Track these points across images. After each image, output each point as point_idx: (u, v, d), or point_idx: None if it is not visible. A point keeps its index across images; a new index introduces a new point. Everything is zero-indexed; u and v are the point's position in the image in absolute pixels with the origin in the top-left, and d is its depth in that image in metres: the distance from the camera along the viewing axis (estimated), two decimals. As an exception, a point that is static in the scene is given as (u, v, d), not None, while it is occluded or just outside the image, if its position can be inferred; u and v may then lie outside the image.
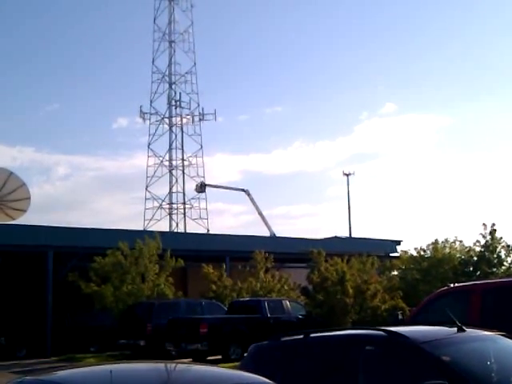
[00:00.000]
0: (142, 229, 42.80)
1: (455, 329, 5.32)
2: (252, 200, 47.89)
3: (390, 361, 5.26)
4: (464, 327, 5.35)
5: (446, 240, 25.35)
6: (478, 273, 23.53)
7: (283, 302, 22.66)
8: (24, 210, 32.92)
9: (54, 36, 73.15)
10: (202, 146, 50.72)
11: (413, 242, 72.13)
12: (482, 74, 74.35)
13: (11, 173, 33.20)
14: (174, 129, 50.63)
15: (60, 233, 26.79)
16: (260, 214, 47.34)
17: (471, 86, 73.56)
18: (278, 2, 77.99)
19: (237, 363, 8.41)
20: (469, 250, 24.67)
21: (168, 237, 30.42)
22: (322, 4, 77.04)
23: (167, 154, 50.38)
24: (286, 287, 27.02)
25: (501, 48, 72.67)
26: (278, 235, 42.27)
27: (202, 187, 49.86)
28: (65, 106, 71.45)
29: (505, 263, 23.97)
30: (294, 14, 77.35)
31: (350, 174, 51.30)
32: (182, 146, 50.57)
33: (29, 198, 33.12)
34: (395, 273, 27.00)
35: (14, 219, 32.38)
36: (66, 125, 71.02)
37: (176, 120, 50.75)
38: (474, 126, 74.04)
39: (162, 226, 47.64)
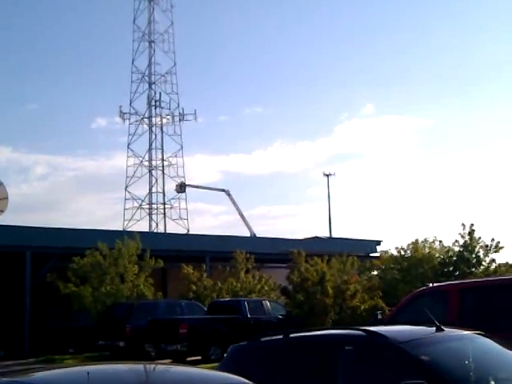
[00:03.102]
0: (121, 229, 42.61)
1: (434, 328, 5.34)
2: (232, 200, 47.93)
3: (370, 361, 5.27)
4: (442, 327, 5.38)
5: (426, 240, 25.55)
6: (457, 273, 23.72)
7: (263, 302, 22.66)
8: (2, 211, 32.56)
9: (33, 36, 72.55)
10: (182, 147, 50.71)
11: (393, 241, 72.68)
12: (459, 75, 75.06)
13: (-12, 172, 32.86)
14: (153, 129, 50.59)
15: (38, 233, 26.55)
16: (240, 214, 47.40)
17: (449, 86, 74.20)
18: (258, 3, 78.09)
19: (216, 364, 8.37)
20: (448, 250, 24.87)
21: (147, 237, 30.29)
22: (302, 5, 77.25)
23: (147, 154, 50.31)
24: (266, 287, 27.03)
25: (477, 49, 73.44)
26: (258, 235, 42.32)
27: (181, 187, 49.77)
28: (43, 106, 70.97)
29: (483, 263, 24.18)
30: (275, 14, 77.53)
31: (330, 175, 51.58)
32: (162, 146, 50.53)
33: (6, 198, 32.75)
34: (375, 273, 27.14)
35: (-9, 219, 32.04)
36: (44, 125, 70.60)
37: (156, 120, 50.71)
38: (451, 127, 74.72)
39: (142, 226, 47.55)
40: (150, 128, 50.42)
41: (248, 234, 44.23)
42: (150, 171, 50.09)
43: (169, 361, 17.90)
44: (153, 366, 4.95)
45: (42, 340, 24.79)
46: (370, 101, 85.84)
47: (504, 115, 74.19)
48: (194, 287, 26.29)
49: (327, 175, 51.53)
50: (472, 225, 24.18)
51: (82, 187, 70.75)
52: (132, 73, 50.68)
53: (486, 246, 24.08)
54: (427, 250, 25.15)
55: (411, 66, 75.26)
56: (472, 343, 5.50)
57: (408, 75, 76.36)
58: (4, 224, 28.08)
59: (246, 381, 4.11)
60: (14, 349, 24.32)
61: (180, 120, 50.58)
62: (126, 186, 49.85)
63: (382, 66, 76.23)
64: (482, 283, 10.34)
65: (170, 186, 50.42)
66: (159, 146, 50.41)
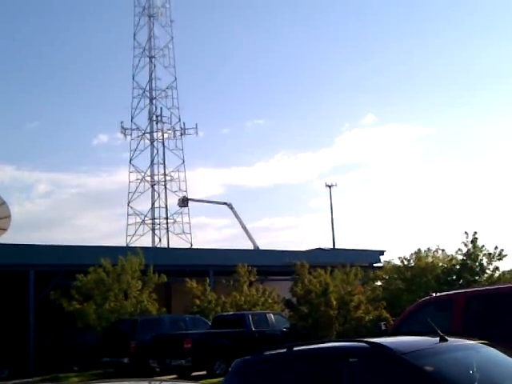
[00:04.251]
0: (124, 245, 42.64)
1: (437, 338, 5.32)
2: (235, 213, 47.93)
3: (374, 372, 5.24)
4: (446, 337, 5.35)
5: (429, 249, 25.46)
6: (461, 281, 23.63)
7: (267, 315, 22.61)
8: (5, 229, 32.59)
9: (34, 53, 72.95)
10: (183, 161, 50.79)
11: (396, 251, 72.47)
12: (460, 83, 75.22)
13: (-9, 191, 32.91)
14: (155, 144, 50.69)
15: (41, 251, 26.57)
16: (243, 227, 47.39)
17: (450, 95, 74.37)
18: (256, 17, 78.52)
19: (221, 378, 8.34)
20: (451, 259, 24.77)
21: (151, 252, 30.27)
22: (301, 18, 77.65)
23: (149, 170, 50.39)
24: (270, 300, 26.98)
25: (478, 57, 73.65)
26: (261, 248, 42.28)
27: (184, 202, 49.78)
28: (45, 124, 71.30)
29: (487, 271, 24.07)
30: (274, 26, 77.91)
31: (332, 186, 51.57)
32: (164, 161, 50.61)
33: (9, 217, 32.81)
34: (379, 283, 27.03)
35: (-6, 238, 32.04)
36: (46, 142, 70.90)
37: (157, 135, 50.83)
38: (453, 136, 74.82)
39: (145, 241, 47.55)
40: (152, 143, 50.55)
41: (251, 247, 44.19)
42: (152, 186, 50.17)
43: (174, 376, 17.86)
44: (157, 382, 4.94)
45: (47, 358, 24.74)
46: (370, 110, 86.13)
47: (506, 122, 74.24)
48: (197, 301, 26.25)
49: (329, 186, 51.56)
50: (475, 233, 24.12)
51: (85, 204, 70.93)
52: (133, 88, 50.93)
53: (490, 253, 23.98)
54: (430, 259, 25.06)
55: (411, 74, 75.60)
56: (477, 353, 5.47)
57: (408, 84, 76.66)
58: (7, 243, 28.12)
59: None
60: (18, 368, 24.26)
61: (181, 134, 50.75)
62: (129, 202, 49.94)
63: (382, 75, 76.56)
64: (486, 291, 10.30)
65: (173, 201, 50.49)
66: (161, 161, 50.55)
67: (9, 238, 32.02)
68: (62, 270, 26.04)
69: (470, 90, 74.66)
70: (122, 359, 21.44)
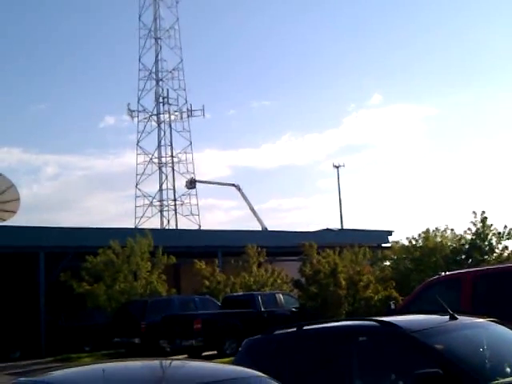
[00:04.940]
0: (133, 227, 42.73)
1: (447, 317, 5.33)
2: (243, 195, 47.93)
3: (384, 351, 5.27)
4: (456, 315, 5.37)
5: (437, 229, 25.42)
6: (470, 261, 23.60)
7: (276, 295, 22.70)
8: (14, 212, 32.79)
9: (40, 36, 72.79)
10: (191, 142, 50.68)
11: (404, 231, 72.37)
12: (467, 63, 74.59)
13: (0, 174, 33.04)
14: (162, 126, 50.55)
15: (51, 233, 26.70)
16: (251, 208, 47.41)
17: (457, 75, 73.81)
18: (263, -4, 77.86)
19: (232, 358, 8.41)
20: (460, 238, 24.73)
21: (159, 234, 30.40)
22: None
23: (156, 151, 50.32)
24: (278, 281, 27.09)
25: (485, 36, 72.95)
26: (269, 229, 42.33)
27: (192, 183, 49.80)
28: (52, 106, 71.24)
29: (496, 250, 24.04)
30: (280, 6, 77.32)
31: (339, 166, 51.43)
32: (171, 143, 50.53)
33: (18, 199, 32.98)
34: (387, 263, 27.07)
35: (3, 220, 32.25)
36: (53, 125, 70.86)
37: (164, 117, 50.68)
38: (460, 115, 74.32)
39: (154, 223, 47.65)
40: (159, 125, 50.45)
41: (259, 228, 44.27)
42: (159, 168, 50.16)
43: (184, 356, 18.00)
44: (168, 361, 4.99)
45: (58, 339, 24.98)
46: (377, 91, 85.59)
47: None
48: (207, 282, 26.37)
49: (337, 167, 51.45)
50: (483, 212, 24.06)
51: (93, 186, 71.08)
52: (139, 70, 50.71)
53: (499, 233, 23.93)
54: (439, 239, 25.04)
55: (418, 54, 74.98)
56: (486, 331, 5.49)
57: (415, 64, 76.09)
58: (17, 225, 28.30)
59: (261, 374, 4.14)
60: (30, 349, 24.51)
61: (188, 116, 50.59)
62: (137, 184, 49.99)
63: (389, 55, 75.99)
64: (495, 270, 10.30)
65: (181, 183, 50.51)
66: (168, 143, 50.47)
67: (18, 220, 32.26)
68: (71, 251, 26.18)
69: (478, 69, 74.09)
70: (132, 340, 21.62)
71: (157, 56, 50.80)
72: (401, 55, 75.75)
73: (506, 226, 23.88)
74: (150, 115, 50.54)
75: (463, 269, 14.50)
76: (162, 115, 50.58)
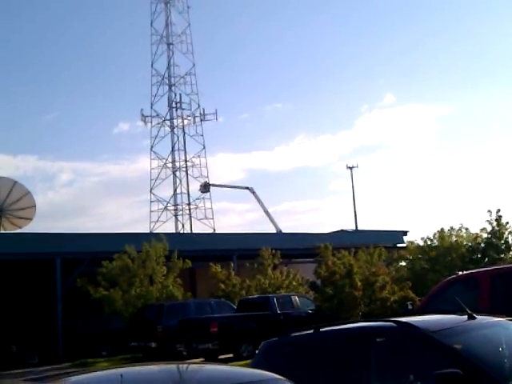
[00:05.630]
0: (148, 231, 42.87)
1: (465, 316, 5.30)
2: (257, 197, 47.93)
3: (402, 352, 5.24)
4: (474, 314, 5.33)
5: (452, 228, 25.28)
6: (486, 259, 23.44)
7: (292, 297, 22.64)
8: (30, 219, 33.05)
9: (52, 43, 73.31)
10: (204, 147, 50.78)
11: (419, 231, 72.09)
12: (480, 62, 74.18)
13: (15, 182, 33.32)
14: (175, 130, 50.72)
15: (67, 239, 26.87)
16: (265, 211, 47.38)
17: (470, 74, 73.43)
18: (273, 1, 77.91)
19: (248, 361, 8.40)
20: (476, 237, 24.57)
21: (174, 238, 30.45)
22: (318, 0, 76.91)
23: (170, 156, 50.47)
24: (294, 283, 27.02)
25: (499, 35, 72.47)
26: (284, 231, 42.29)
27: (206, 187, 49.88)
28: (66, 114, 71.67)
29: (512, 248, 23.87)
30: (291, 9, 77.32)
31: (353, 167, 51.29)
32: (185, 147, 50.65)
33: (34, 207, 33.24)
34: (403, 263, 26.94)
35: (20, 228, 32.51)
36: (67, 132, 71.33)
37: (177, 122, 50.84)
38: (474, 114, 73.90)
39: (168, 227, 47.78)
40: (172, 130, 50.61)
41: (274, 231, 44.23)
42: (173, 173, 50.28)
43: (201, 360, 18.01)
44: (184, 365, 4.98)
45: (76, 344, 25.10)
46: (389, 91, 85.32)
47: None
48: (222, 286, 26.36)
49: (350, 168, 51.29)
50: (498, 210, 23.89)
51: (108, 192, 71.47)
52: (152, 76, 50.92)
53: (515, 231, 23.77)
54: (454, 239, 24.89)
55: (430, 54, 74.65)
56: (505, 330, 5.44)
57: (427, 63, 75.76)
58: (33, 232, 28.52)
59: (279, 376, 4.12)
60: (48, 354, 24.64)
61: (201, 120, 50.71)
62: (151, 189, 50.17)
63: (401, 55, 75.72)
64: (512, 269, 10.21)
65: (194, 187, 50.63)
66: (182, 148, 50.59)
67: (34, 227, 32.52)
68: (87, 257, 26.30)
69: (490, 69, 73.62)
70: (149, 344, 21.66)
71: (169, 61, 51.04)
72: (413, 55, 75.50)
73: (521, 224, 23.71)
74: (163, 120, 50.76)
75: (480, 268, 14.41)
76: (175, 120, 50.79)
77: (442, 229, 25.23)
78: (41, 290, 27.41)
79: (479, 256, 24.13)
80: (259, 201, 47.76)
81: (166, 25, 51.11)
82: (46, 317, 26.24)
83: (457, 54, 73.83)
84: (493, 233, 23.90)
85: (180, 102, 50.49)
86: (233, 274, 27.07)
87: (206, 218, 49.81)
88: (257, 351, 6.43)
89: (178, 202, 50.14)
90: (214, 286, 26.70)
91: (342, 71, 77.89)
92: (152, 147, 50.65)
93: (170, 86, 50.76)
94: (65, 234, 27.98)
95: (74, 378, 4.50)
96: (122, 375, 3.95)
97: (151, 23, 51.16)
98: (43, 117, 72.04)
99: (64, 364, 22.77)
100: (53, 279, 26.23)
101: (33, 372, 20.70)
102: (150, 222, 49.17)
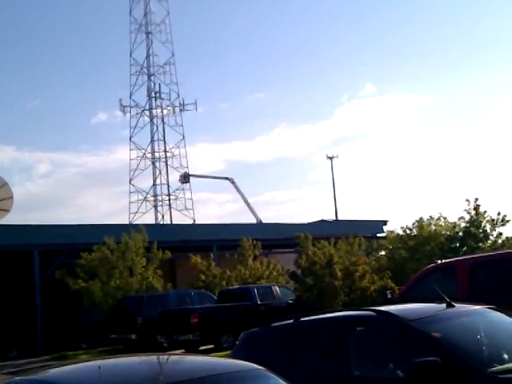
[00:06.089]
0: (127, 223, 42.67)
1: (444, 305, 5.32)
2: (237, 188, 47.95)
3: (381, 340, 5.26)
4: (453, 303, 5.36)
5: (431, 217, 25.46)
6: (465, 248, 23.68)
7: (273, 288, 22.68)
8: (7, 210, 32.63)
9: (30, 32, 72.32)
10: (184, 137, 50.61)
11: (399, 221, 72.58)
12: (459, 46, 74.60)
13: (-8, 173, 32.88)
14: (155, 121, 50.48)
15: (44, 231, 26.61)
16: (245, 201, 47.44)
17: (450, 60, 73.79)
18: (252, -12, 77.60)
19: (229, 352, 8.39)
20: (454, 226, 24.80)
21: (154, 229, 30.35)
22: (297, -12, 76.73)
23: (149, 147, 50.26)
24: (274, 273, 27.08)
25: (475, 17, 72.93)
26: (264, 221, 42.36)
27: (185, 178, 49.76)
28: (43, 103, 70.97)
29: (491, 237, 24.12)
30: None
31: (333, 158, 51.38)
32: (164, 138, 50.44)
33: (11, 198, 32.81)
34: (383, 253, 27.11)
35: (-3, 219, 32.11)
36: (45, 122, 70.66)
37: (157, 112, 50.61)
38: (453, 104, 74.36)
39: (148, 218, 47.62)
40: (151, 120, 50.36)
41: (254, 221, 44.28)
42: (153, 163, 50.10)
43: (181, 351, 17.98)
44: (164, 357, 4.96)
45: (55, 337, 24.92)
46: (370, 80, 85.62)
47: (506, 84, 73.69)
48: (202, 276, 26.35)
49: (330, 158, 51.40)
50: (476, 199, 24.13)
51: (86, 183, 70.93)
52: (131, 65, 50.62)
53: (493, 220, 24.00)
54: (433, 228, 25.09)
55: (409, 41, 74.93)
56: (483, 318, 5.48)
57: (406, 51, 75.99)
58: (10, 223, 28.18)
59: (259, 367, 4.11)
60: (26, 347, 24.46)
61: (181, 110, 50.52)
62: (130, 179, 49.94)
63: (379, 44, 75.91)
64: (490, 257, 10.32)
65: (174, 177, 50.50)
66: (161, 138, 50.39)
67: (12, 218, 32.10)
68: (66, 248, 26.10)
69: (470, 52, 74.06)
70: (129, 335, 21.58)
71: (148, 51, 50.69)
72: (391, 43, 75.74)
73: (499, 213, 23.98)
74: (143, 110, 50.49)
75: (458, 257, 14.53)
76: (154, 110, 50.56)
77: (421, 218, 25.41)
78: (19, 283, 27.15)
79: (458, 245, 24.36)
80: (239, 191, 47.82)
81: (145, 14, 50.79)
82: (24, 309, 26.02)
83: (433, 40, 74.20)
84: (471, 222, 24.13)
85: (159, 92, 50.29)
86: (213, 264, 27.06)
87: (186, 208, 49.78)
88: (237, 342, 6.42)
89: (158, 192, 50.04)
90: (195, 276, 26.68)
91: (322, 61, 78.00)
92: (131, 137, 50.45)
93: (149, 75, 50.49)
94: (43, 226, 27.71)
95: (51, 371, 4.45)
96: (99, 367, 3.92)
97: (130, 12, 50.86)
98: (21, 107, 71.28)
99: (43, 357, 22.60)
100: (31, 271, 26.00)
101: (11, 365, 20.52)
102: (130, 213, 49.04)
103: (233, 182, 48.06)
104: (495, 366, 4.66)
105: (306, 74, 76.78)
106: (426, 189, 72.12)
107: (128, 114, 50.41)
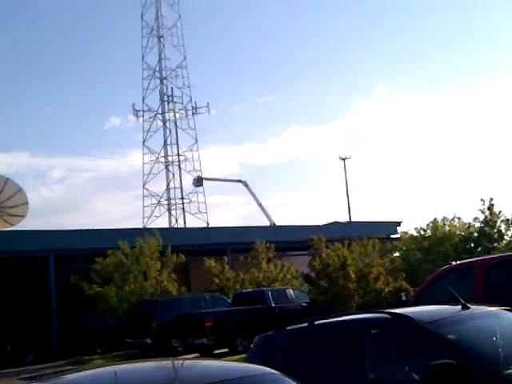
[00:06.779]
0: (141, 227, 42.75)
1: (459, 307, 5.29)
2: (250, 191, 47.87)
3: (396, 343, 5.24)
4: (468, 304, 5.32)
5: (445, 218, 25.31)
6: (480, 249, 23.49)
7: (287, 290, 22.63)
8: (23, 216, 32.85)
9: (43, 37, 72.83)
10: (196, 140, 50.61)
11: (413, 222, 72.33)
12: (471, 49, 74.20)
13: (8, 179, 33.12)
14: (167, 124, 50.49)
15: (60, 236, 26.76)
16: (259, 204, 47.33)
17: (459, 60, 73.40)
18: (262, -9, 77.65)
19: (244, 355, 8.39)
20: (469, 227, 24.61)
21: (168, 233, 30.39)
22: (307, -10, 76.71)
23: (162, 150, 50.26)
24: (288, 276, 27.03)
25: (490, 16, 72.52)
26: (277, 224, 42.28)
27: (199, 181, 49.76)
28: (57, 109, 71.38)
29: (505, 237, 23.92)
30: (281, 1, 77.07)
31: (346, 158, 51.24)
32: (177, 141, 50.44)
33: (27, 204, 33.04)
34: (397, 254, 26.97)
35: (12, 225, 32.32)
36: (59, 127, 70.93)
37: (169, 115, 50.61)
38: (465, 103, 73.96)
39: (162, 222, 47.65)
40: (164, 124, 50.40)
41: (268, 224, 44.22)
42: (166, 167, 50.12)
43: (196, 355, 17.99)
44: (178, 361, 4.96)
45: (70, 342, 25.02)
46: (381, 81, 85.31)
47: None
48: (216, 280, 26.35)
49: (343, 159, 51.26)
50: (491, 199, 23.93)
51: (100, 187, 71.22)
52: (143, 69, 50.67)
53: (507, 219, 23.81)
54: (447, 228, 24.93)
55: (420, 41, 74.61)
56: (498, 319, 5.45)
57: (418, 51, 75.69)
58: (26, 229, 28.38)
59: (273, 370, 4.10)
60: (42, 352, 24.56)
61: (193, 113, 50.50)
62: (144, 184, 49.99)
63: (391, 44, 75.65)
64: (506, 258, 10.22)
65: (187, 181, 50.47)
66: (174, 142, 50.36)
67: (27, 224, 32.33)
68: (81, 253, 26.22)
69: (482, 55, 73.63)
70: (144, 340, 21.63)
71: (160, 54, 50.76)
72: (403, 43, 75.46)
73: (514, 213, 23.77)
74: (155, 114, 50.52)
75: (473, 257, 14.43)
76: (166, 114, 50.56)
77: (436, 219, 25.25)
78: (34, 288, 27.31)
79: (472, 245, 24.16)
80: (252, 194, 47.74)
81: (157, 18, 50.87)
82: (40, 315, 26.16)
83: (445, 41, 73.84)
84: (485, 222, 23.93)
85: (172, 96, 50.31)
86: (227, 267, 27.05)
87: (200, 212, 49.75)
88: (251, 345, 6.42)
89: (171, 196, 50.04)
90: (209, 280, 26.68)
91: (333, 62, 77.88)
92: (144, 142, 50.51)
93: (162, 79, 50.55)
94: (58, 231, 27.86)
95: (67, 377, 4.46)
96: (115, 373, 3.93)
97: (141, 16, 50.92)
98: (34, 113, 71.65)
99: (59, 362, 22.70)
100: (46, 276, 26.14)
101: (27, 371, 20.64)
102: (144, 218, 49.08)
103: (246, 185, 48.01)
104: (511, 368, 4.63)
105: (317, 76, 76.77)
106: (439, 189, 71.84)
107: (141, 119, 50.51)
